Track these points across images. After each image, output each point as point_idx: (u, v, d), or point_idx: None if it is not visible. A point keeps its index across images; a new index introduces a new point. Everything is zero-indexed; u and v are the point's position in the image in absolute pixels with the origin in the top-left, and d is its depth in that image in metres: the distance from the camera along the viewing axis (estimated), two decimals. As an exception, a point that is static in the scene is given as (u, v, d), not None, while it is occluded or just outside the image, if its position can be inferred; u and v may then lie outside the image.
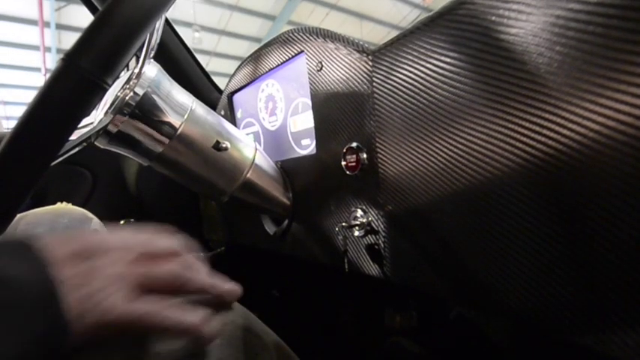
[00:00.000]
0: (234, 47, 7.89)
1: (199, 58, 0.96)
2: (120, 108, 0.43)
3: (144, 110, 0.45)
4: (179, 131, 0.49)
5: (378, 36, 7.81)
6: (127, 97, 0.43)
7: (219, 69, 7.68)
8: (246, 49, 7.94)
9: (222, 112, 0.80)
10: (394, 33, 0.42)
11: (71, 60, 0.27)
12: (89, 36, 0.28)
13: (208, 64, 7.78)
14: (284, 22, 7.40)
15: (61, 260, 0.24)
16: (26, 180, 0.27)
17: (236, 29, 7.46)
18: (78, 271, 0.24)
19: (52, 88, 0.26)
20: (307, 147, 0.60)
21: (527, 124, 0.30)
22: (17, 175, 0.26)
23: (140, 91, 0.44)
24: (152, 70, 0.46)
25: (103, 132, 0.44)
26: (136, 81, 0.43)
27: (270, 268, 0.95)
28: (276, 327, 0.37)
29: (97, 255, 0.25)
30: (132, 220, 0.91)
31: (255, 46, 0.72)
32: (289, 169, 0.62)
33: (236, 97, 0.78)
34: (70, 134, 0.28)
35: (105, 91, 0.29)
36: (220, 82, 0.97)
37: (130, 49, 0.29)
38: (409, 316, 0.60)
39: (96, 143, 0.46)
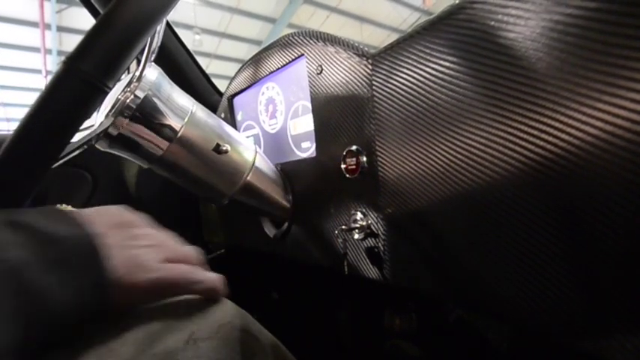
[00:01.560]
0: (235, 50, 7.91)
1: (200, 60, 0.96)
2: (121, 111, 0.43)
3: (145, 113, 0.45)
4: (179, 134, 0.49)
5: (379, 39, 7.84)
6: (127, 100, 0.43)
7: (219, 71, 7.69)
8: (246, 51, 7.96)
9: (223, 115, 0.81)
10: (394, 36, 0.43)
11: (72, 63, 0.27)
12: (91, 39, 0.28)
13: (208, 66, 7.80)
14: (284, 24, 7.42)
15: (104, 228, 0.27)
16: (28, 182, 0.27)
17: (236, 32, 7.48)
18: (120, 237, 0.28)
19: (53, 91, 0.27)
20: (307, 150, 0.60)
21: (526, 128, 0.30)
22: (19, 177, 0.27)
23: (141, 94, 0.44)
24: (153, 73, 0.46)
25: (103, 134, 0.44)
26: (136, 84, 0.44)
27: (269, 270, 0.95)
28: (275, 329, 0.37)
29: (133, 227, 0.30)
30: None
31: (256, 49, 0.72)
32: (289, 172, 0.62)
33: (236, 100, 0.78)
34: (72, 137, 0.29)
35: (106, 94, 0.29)
36: (221, 85, 0.97)
37: (131, 53, 0.30)
38: (409, 318, 0.60)
39: (97, 146, 0.46)
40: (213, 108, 0.72)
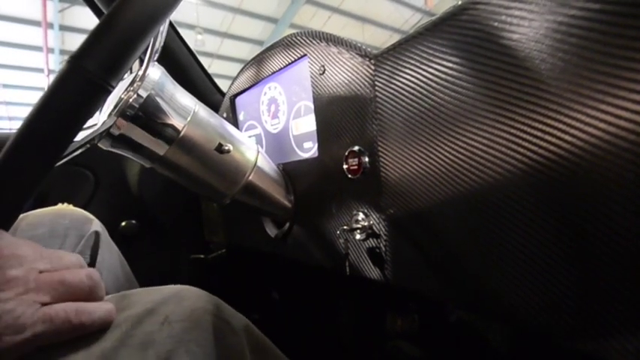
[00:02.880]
0: (237, 50, 7.92)
1: (202, 60, 0.96)
2: (123, 110, 0.43)
3: (147, 113, 0.45)
4: (182, 134, 0.49)
5: (380, 39, 7.83)
6: (130, 100, 0.43)
7: (221, 71, 7.70)
8: (248, 51, 7.97)
9: (225, 115, 0.81)
10: (396, 36, 0.43)
11: (76, 62, 0.27)
12: (94, 39, 0.28)
13: (211, 66, 7.81)
14: (286, 25, 7.42)
15: None
16: (31, 180, 0.27)
17: (238, 32, 7.49)
18: None
19: (57, 90, 0.27)
20: (309, 150, 0.60)
21: (528, 130, 0.30)
22: (22, 175, 0.27)
23: (144, 94, 0.44)
24: (156, 72, 0.46)
25: (106, 134, 0.44)
26: (139, 83, 0.44)
27: (270, 270, 0.95)
28: (275, 329, 0.37)
29: (7, 266, 0.25)
30: (133, 221, 0.91)
31: (258, 49, 0.73)
32: (291, 172, 0.62)
33: (239, 100, 0.78)
34: (75, 136, 0.29)
35: (109, 93, 0.29)
36: (223, 84, 0.97)
37: (135, 53, 0.30)
38: (411, 319, 0.60)
39: (99, 145, 0.46)
40: (215, 107, 0.72)
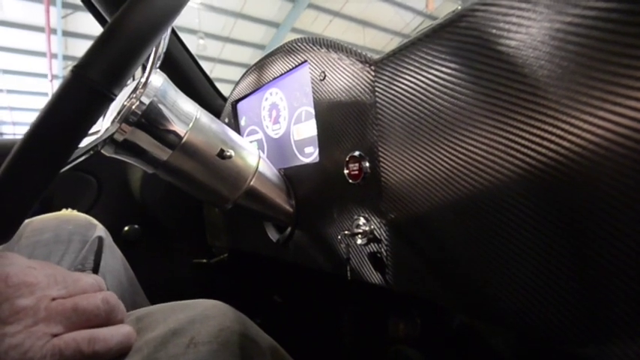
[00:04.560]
0: (238, 54, 7.95)
1: (204, 64, 0.97)
2: (126, 117, 0.44)
3: (150, 119, 0.46)
4: (184, 140, 0.49)
5: (381, 43, 7.85)
6: (133, 107, 0.44)
7: (223, 76, 7.74)
8: (249, 56, 8.00)
9: (227, 120, 0.81)
10: (397, 40, 0.43)
11: (80, 71, 0.27)
12: (97, 48, 0.28)
13: (212, 70, 7.85)
14: (287, 29, 7.45)
15: None
16: (35, 186, 0.28)
17: (240, 36, 7.52)
18: None
19: (61, 99, 0.27)
20: (310, 155, 0.61)
21: (527, 135, 0.30)
22: (27, 182, 0.27)
23: (146, 101, 0.45)
24: (158, 79, 0.47)
25: (109, 140, 0.45)
26: (142, 90, 0.44)
27: (272, 274, 0.95)
28: (277, 333, 0.37)
29: (3, 300, 0.23)
30: (136, 226, 0.92)
31: (259, 53, 0.73)
32: (292, 177, 0.62)
33: (240, 105, 0.79)
34: (78, 143, 0.29)
35: (112, 101, 0.30)
36: (224, 89, 0.98)
37: (137, 62, 0.30)
38: (413, 324, 0.60)
39: (102, 151, 0.47)
40: (216, 113, 0.72)
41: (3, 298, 0.23)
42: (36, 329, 0.23)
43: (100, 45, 0.28)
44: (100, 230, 0.59)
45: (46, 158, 0.27)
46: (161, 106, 0.47)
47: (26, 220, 0.27)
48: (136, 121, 0.45)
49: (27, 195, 0.27)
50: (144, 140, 0.47)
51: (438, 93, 0.37)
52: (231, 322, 0.32)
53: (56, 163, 0.28)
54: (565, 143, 0.28)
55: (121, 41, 0.29)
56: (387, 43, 7.84)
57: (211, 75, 0.99)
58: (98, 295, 0.27)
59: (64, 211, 0.63)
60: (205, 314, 0.31)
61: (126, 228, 0.91)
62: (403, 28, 7.83)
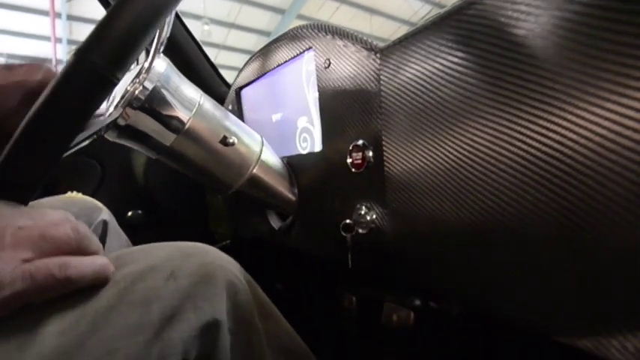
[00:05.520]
0: (243, 40, 7.88)
1: (208, 51, 0.96)
2: (130, 102, 0.44)
3: (153, 104, 0.46)
4: (187, 126, 0.49)
5: (389, 31, 7.74)
6: (136, 92, 0.44)
7: (228, 62, 7.68)
8: (254, 42, 7.93)
9: (230, 107, 0.81)
10: (404, 28, 0.42)
11: (83, 55, 0.27)
12: (101, 32, 0.28)
13: (217, 57, 7.79)
14: (293, 15, 7.37)
15: None
16: (38, 171, 0.28)
17: (245, 22, 7.44)
18: None
19: (64, 83, 0.27)
20: (313, 143, 0.61)
21: (532, 126, 0.30)
22: (30, 167, 0.27)
23: (149, 86, 0.45)
24: (161, 64, 0.46)
25: (112, 125, 0.44)
26: (145, 75, 0.44)
27: (274, 262, 0.96)
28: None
29: None
30: (139, 211, 0.92)
31: (264, 40, 0.72)
32: (295, 165, 0.62)
33: (244, 92, 0.78)
34: (81, 127, 0.29)
35: (115, 85, 0.29)
36: (229, 75, 0.97)
37: (141, 45, 0.30)
38: (406, 316, 0.60)
39: (105, 136, 0.47)
40: (220, 100, 0.72)
41: None
42: (3, 254, 0.23)
43: (103, 28, 0.28)
44: (106, 214, 0.59)
45: (48, 143, 0.27)
46: (164, 92, 0.46)
47: (30, 203, 0.27)
48: (139, 105, 0.44)
49: (28, 180, 0.27)
50: (147, 125, 0.47)
51: (443, 82, 0.37)
52: (213, 259, 0.31)
53: (58, 147, 0.28)
54: (571, 134, 0.27)
55: (125, 24, 0.28)
56: (394, 32, 7.73)
57: (216, 61, 0.98)
58: (67, 224, 0.27)
59: (69, 194, 0.64)
60: (186, 252, 0.31)
61: (129, 213, 0.91)
62: (411, 17, 7.71)
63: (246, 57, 0.75)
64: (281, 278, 0.98)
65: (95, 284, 0.27)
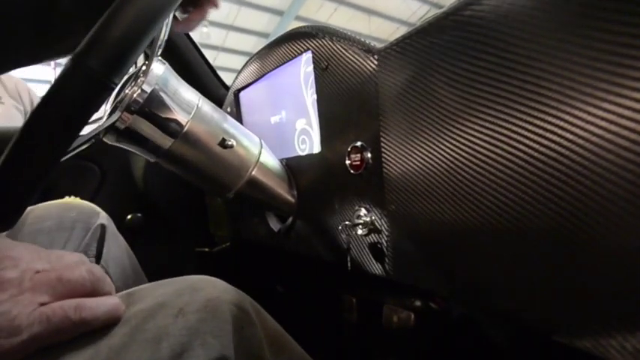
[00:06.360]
0: (242, 42, 7.88)
1: (207, 53, 0.96)
2: (128, 105, 0.44)
3: (151, 107, 0.46)
4: (185, 129, 0.49)
5: (387, 31, 7.75)
6: (135, 95, 0.44)
7: (227, 64, 7.68)
8: (253, 44, 7.93)
9: (229, 109, 0.81)
10: (403, 29, 0.42)
11: (80, 60, 0.27)
12: (97, 36, 0.28)
13: (216, 59, 7.80)
14: (292, 17, 7.37)
15: None
16: (37, 175, 0.27)
17: (244, 24, 7.45)
18: None
19: (61, 88, 0.27)
20: (312, 145, 0.61)
21: (530, 126, 0.30)
22: (28, 171, 0.27)
23: (148, 89, 0.45)
24: (159, 67, 0.46)
25: (111, 128, 0.44)
26: (143, 78, 0.44)
27: (275, 264, 0.95)
28: (280, 323, 0.37)
29: (0, 269, 0.24)
30: (139, 214, 0.92)
31: (263, 42, 0.72)
32: (294, 167, 0.62)
33: (242, 95, 0.78)
34: (79, 132, 0.29)
35: (113, 90, 0.29)
36: (228, 78, 0.97)
37: (138, 49, 0.30)
38: (407, 317, 0.60)
39: (104, 139, 0.47)
40: (219, 102, 0.72)
41: None
42: (22, 298, 0.24)
43: (99, 32, 0.28)
44: (103, 218, 0.59)
45: (46, 147, 0.27)
46: (162, 95, 0.46)
47: (29, 208, 0.27)
48: (138, 109, 0.44)
49: (28, 184, 0.27)
50: (145, 129, 0.47)
51: (441, 83, 0.37)
52: (220, 293, 0.31)
53: (56, 151, 0.28)
54: (568, 135, 0.27)
55: (122, 28, 0.28)
56: (392, 32, 7.73)
57: (215, 64, 0.99)
58: (82, 267, 0.28)
59: (67, 199, 0.64)
60: (193, 287, 0.31)
61: (129, 216, 0.91)
62: (410, 17, 7.71)
63: (245, 59, 0.75)
64: (281, 280, 0.97)
65: (108, 324, 0.27)
